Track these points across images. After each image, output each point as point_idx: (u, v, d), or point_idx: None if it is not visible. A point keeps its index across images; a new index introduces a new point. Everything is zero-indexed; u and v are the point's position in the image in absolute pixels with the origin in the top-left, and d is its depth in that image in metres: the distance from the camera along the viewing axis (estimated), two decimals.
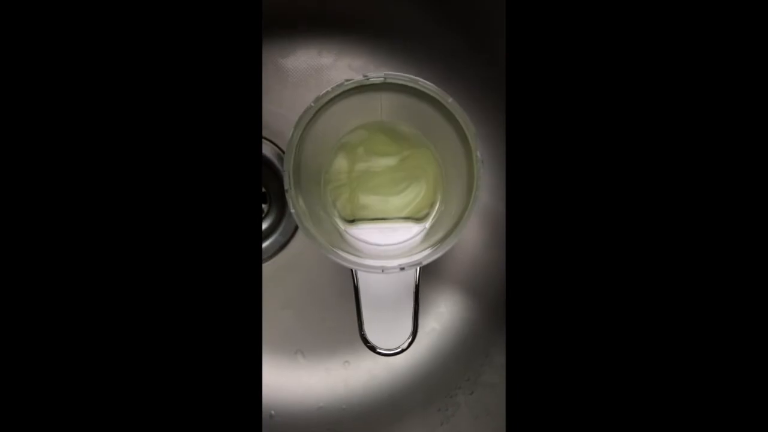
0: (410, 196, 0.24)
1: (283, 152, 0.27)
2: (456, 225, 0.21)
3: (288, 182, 0.20)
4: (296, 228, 0.28)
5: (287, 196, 0.20)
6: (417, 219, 0.24)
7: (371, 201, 0.24)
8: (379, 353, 0.22)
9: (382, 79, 0.20)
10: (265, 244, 0.27)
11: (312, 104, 0.20)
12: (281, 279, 0.28)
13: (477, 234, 0.28)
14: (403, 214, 0.24)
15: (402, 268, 0.20)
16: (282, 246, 0.28)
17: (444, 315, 0.29)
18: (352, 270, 0.21)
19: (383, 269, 0.20)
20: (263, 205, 0.28)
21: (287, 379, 0.28)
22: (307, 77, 0.28)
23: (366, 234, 0.24)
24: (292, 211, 0.20)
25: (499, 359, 0.27)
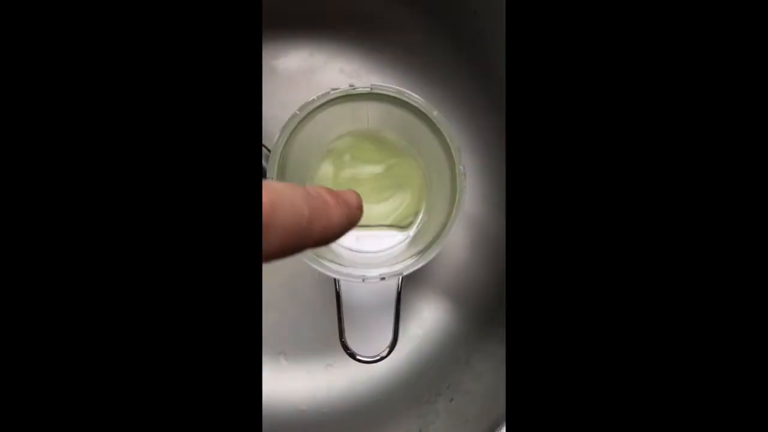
0: (395, 204, 0.24)
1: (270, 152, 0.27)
2: (438, 235, 0.21)
3: None
4: None
5: None
6: (401, 227, 0.24)
7: None
8: (358, 360, 0.22)
9: (368, 89, 0.20)
10: None
11: (297, 112, 0.20)
12: (266, 281, 0.28)
13: (462, 242, 0.29)
14: (388, 222, 0.24)
15: (383, 278, 0.20)
16: None
17: (427, 321, 0.29)
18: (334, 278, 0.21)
19: (364, 279, 0.20)
20: None
21: (269, 380, 0.28)
22: (299, 79, 0.28)
23: (349, 241, 0.24)
24: None
25: (480, 367, 0.28)
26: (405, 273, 0.20)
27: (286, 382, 0.28)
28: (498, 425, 0.23)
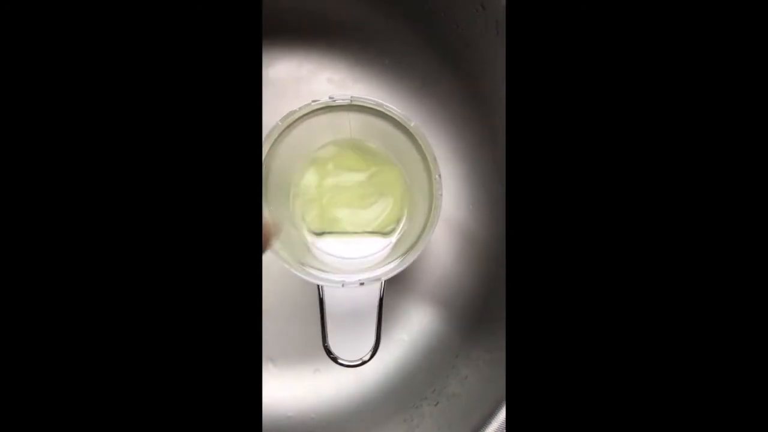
0: (377, 211, 0.25)
1: None
2: (415, 242, 0.21)
3: None
4: None
5: None
6: (384, 234, 0.25)
7: (341, 214, 0.24)
8: (341, 364, 0.23)
9: (348, 101, 0.21)
10: None
11: (279, 122, 0.21)
12: None
13: (448, 248, 0.29)
14: (371, 228, 0.25)
15: (362, 283, 0.21)
16: None
17: (413, 326, 0.29)
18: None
19: (343, 284, 0.21)
20: None
21: None
22: (288, 88, 0.29)
23: (333, 247, 0.24)
24: None
25: (465, 371, 0.28)
26: (384, 278, 0.21)
27: (274, 388, 0.28)
28: (482, 428, 0.23)
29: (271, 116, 0.28)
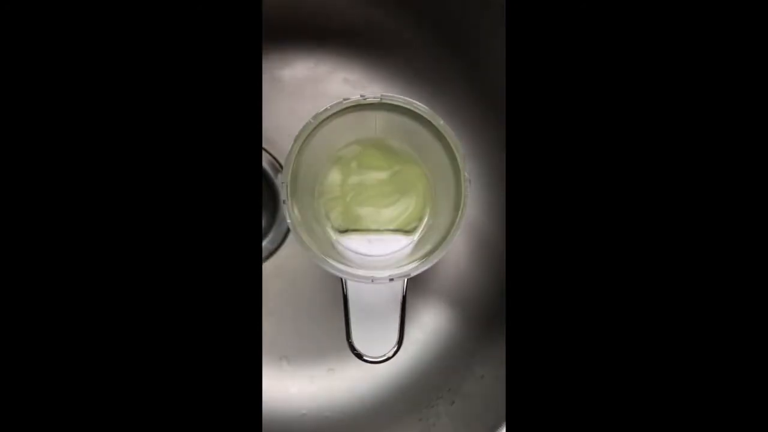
0: (400, 209, 0.25)
1: (277, 161, 0.28)
2: (443, 239, 0.21)
3: (285, 194, 0.21)
4: (285, 236, 0.28)
5: (284, 207, 0.21)
6: (406, 232, 0.25)
7: (364, 212, 0.25)
8: (365, 360, 0.23)
9: (378, 99, 0.21)
10: None
11: (311, 120, 0.21)
12: (268, 286, 0.28)
13: (463, 248, 0.29)
14: (393, 227, 0.25)
15: (391, 279, 0.21)
16: (270, 254, 0.29)
17: (428, 325, 0.29)
18: (341, 279, 0.22)
19: (373, 279, 0.21)
20: None
21: (271, 385, 0.28)
22: (303, 88, 0.29)
23: (356, 244, 0.25)
24: (289, 221, 0.21)
25: (480, 370, 0.28)
26: (412, 274, 0.21)
27: (288, 387, 0.28)
28: (498, 427, 0.24)
29: (289, 117, 0.28)
